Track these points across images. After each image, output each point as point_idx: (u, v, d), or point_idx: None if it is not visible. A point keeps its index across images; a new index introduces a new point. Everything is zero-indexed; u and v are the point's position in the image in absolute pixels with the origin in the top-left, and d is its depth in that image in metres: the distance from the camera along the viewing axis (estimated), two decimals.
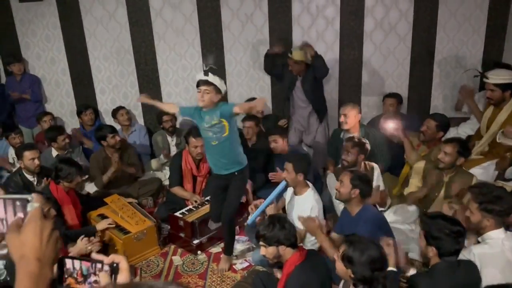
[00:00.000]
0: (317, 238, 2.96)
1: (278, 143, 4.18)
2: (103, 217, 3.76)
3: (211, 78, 2.95)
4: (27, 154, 3.86)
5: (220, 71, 5.16)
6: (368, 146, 3.65)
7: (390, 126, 3.93)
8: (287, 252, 2.47)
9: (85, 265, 0.96)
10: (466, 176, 3.32)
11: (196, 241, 3.65)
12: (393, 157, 4.16)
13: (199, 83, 2.97)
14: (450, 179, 3.35)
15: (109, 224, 3.56)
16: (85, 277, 0.96)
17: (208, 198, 3.97)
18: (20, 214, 0.89)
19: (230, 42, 5.09)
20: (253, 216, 3.37)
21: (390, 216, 3.58)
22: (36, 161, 3.88)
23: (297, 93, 4.66)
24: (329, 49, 5.02)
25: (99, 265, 0.96)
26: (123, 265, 0.96)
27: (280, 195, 3.55)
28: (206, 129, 3.08)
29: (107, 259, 0.96)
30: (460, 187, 3.22)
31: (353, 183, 2.90)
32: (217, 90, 2.99)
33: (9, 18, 5.05)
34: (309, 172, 3.60)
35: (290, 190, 3.52)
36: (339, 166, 3.77)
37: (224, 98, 5.17)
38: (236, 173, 3.21)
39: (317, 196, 3.40)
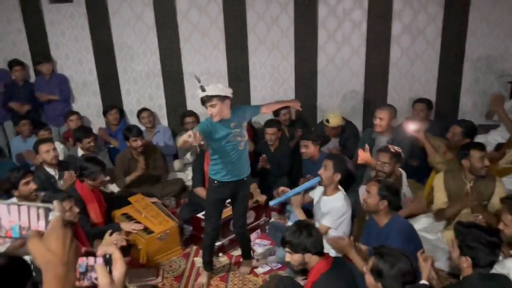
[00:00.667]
0: (349, 255, 2.85)
1: (310, 149, 4.11)
2: (127, 216, 3.79)
3: (210, 90, 2.84)
4: (43, 147, 3.93)
5: (243, 74, 5.19)
6: (402, 154, 3.57)
7: (411, 127, 3.83)
8: (313, 260, 2.42)
9: (80, 261, 0.97)
10: (489, 179, 3.24)
11: (218, 243, 3.64)
12: (419, 163, 4.08)
13: (203, 101, 2.87)
14: (474, 184, 3.27)
15: (133, 229, 3.56)
16: (84, 274, 0.97)
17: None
18: (42, 222, 0.93)
19: (255, 45, 5.09)
20: (278, 200, 3.34)
21: (416, 224, 3.51)
22: (52, 153, 3.92)
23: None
24: (355, 53, 4.96)
25: (91, 259, 0.97)
26: (116, 255, 0.98)
27: (308, 190, 3.47)
28: (234, 136, 2.98)
29: (99, 251, 0.98)
30: (487, 191, 3.12)
31: (381, 194, 2.82)
32: (222, 98, 2.87)
33: (40, 19, 5.17)
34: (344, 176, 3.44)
35: (319, 190, 3.41)
36: (372, 175, 3.67)
37: (246, 100, 5.26)
38: (246, 178, 3.16)
39: (348, 201, 3.28)
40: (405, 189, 3.61)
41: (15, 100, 5.21)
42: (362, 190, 3.63)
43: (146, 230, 3.62)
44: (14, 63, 5.21)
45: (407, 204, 3.43)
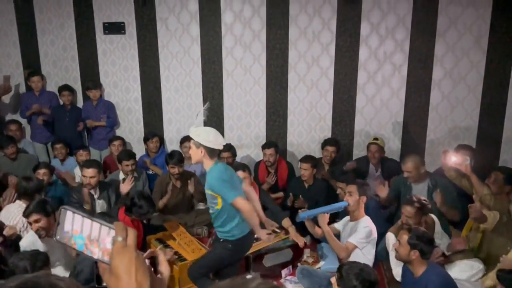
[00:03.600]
0: None
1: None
2: (161, 241, 3.86)
3: (191, 131, 2.86)
4: (86, 172, 4.10)
5: (282, 110, 5.30)
6: (429, 205, 3.51)
7: (453, 160, 3.64)
8: None
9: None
10: None
11: (248, 276, 3.61)
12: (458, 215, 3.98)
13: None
14: None
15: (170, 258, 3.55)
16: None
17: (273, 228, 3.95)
18: (108, 239, 0.93)
19: (295, 82, 5.22)
20: (304, 214, 3.39)
21: (453, 272, 3.41)
22: (92, 180, 4.07)
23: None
24: (395, 95, 5.00)
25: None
26: (161, 257, 1.03)
27: (335, 212, 3.54)
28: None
29: (145, 254, 1.00)
30: None
31: (411, 243, 2.76)
32: (196, 144, 2.85)
33: (93, 48, 5.50)
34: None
35: (344, 221, 3.48)
36: (399, 223, 3.63)
37: (283, 134, 5.34)
38: (221, 239, 3.15)
39: (374, 226, 3.35)
40: (437, 239, 3.51)
41: (60, 123, 5.46)
42: (389, 238, 3.58)
43: (179, 257, 3.66)
44: (63, 88, 5.51)
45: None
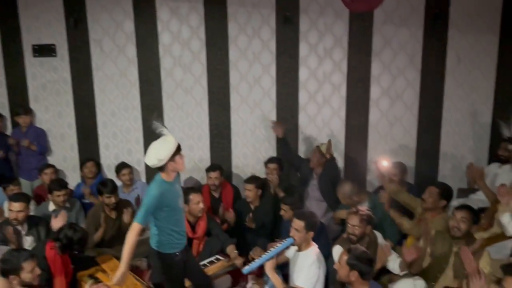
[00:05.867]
0: None
1: (288, 213, 4.01)
2: (92, 277, 3.58)
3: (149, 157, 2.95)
4: (11, 205, 3.86)
5: (225, 131, 5.19)
6: (373, 216, 3.50)
7: (385, 164, 3.97)
8: None
9: None
10: (481, 252, 3.12)
11: None
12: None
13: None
14: (459, 250, 3.15)
15: None
16: None
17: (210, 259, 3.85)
18: None
19: (237, 103, 5.13)
20: (250, 266, 3.18)
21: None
22: (19, 215, 3.83)
23: (312, 191, 4.66)
24: (336, 114, 5.03)
25: None
26: None
27: (283, 251, 3.36)
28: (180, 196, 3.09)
29: None
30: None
31: (350, 264, 2.70)
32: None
33: (21, 72, 5.19)
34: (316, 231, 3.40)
35: (293, 248, 3.35)
36: (344, 236, 3.58)
37: (227, 156, 5.20)
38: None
39: (321, 256, 3.25)
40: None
41: None
42: (335, 251, 3.53)
43: None
44: None
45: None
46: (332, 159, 4.63)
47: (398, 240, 3.96)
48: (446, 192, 3.74)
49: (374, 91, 4.93)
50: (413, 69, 4.85)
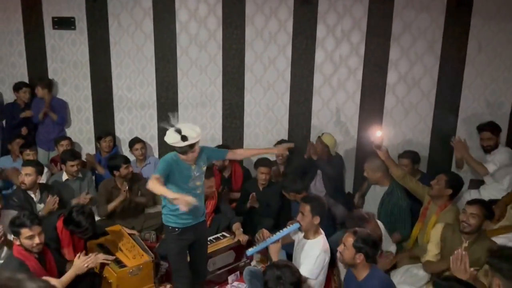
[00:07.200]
0: None
1: (297, 197, 4.02)
2: (102, 247, 3.66)
3: (192, 138, 2.71)
4: (24, 169, 3.94)
5: (238, 111, 5.19)
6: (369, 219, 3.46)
7: (376, 134, 3.97)
8: None
9: None
10: (488, 244, 3.05)
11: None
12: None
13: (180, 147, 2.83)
14: (470, 245, 3.09)
15: (105, 260, 3.31)
16: None
17: (216, 236, 3.89)
18: None
19: (251, 83, 5.11)
20: (255, 249, 3.19)
21: (398, 277, 3.37)
22: (26, 179, 3.90)
23: (316, 186, 4.70)
24: (350, 98, 4.97)
25: None
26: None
27: (288, 235, 3.35)
28: (195, 178, 2.96)
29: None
30: (482, 255, 2.96)
31: (356, 247, 2.68)
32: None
33: (41, 43, 5.25)
34: (325, 217, 3.35)
35: (300, 232, 3.32)
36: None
37: (240, 136, 5.21)
38: (204, 220, 3.17)
39: (327, 246, 3.19)
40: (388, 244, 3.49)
41: (14, 120, 5.26)
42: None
43: (119, 263, 3.48)
44: (22, 85, 5.27)
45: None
46: (339, 157, 4.72)
47: (409, 234, 3.90)
48: (453, 182, 3.65)
49: (391, 77, 4.84)
50: (432, 56, 4.73)
